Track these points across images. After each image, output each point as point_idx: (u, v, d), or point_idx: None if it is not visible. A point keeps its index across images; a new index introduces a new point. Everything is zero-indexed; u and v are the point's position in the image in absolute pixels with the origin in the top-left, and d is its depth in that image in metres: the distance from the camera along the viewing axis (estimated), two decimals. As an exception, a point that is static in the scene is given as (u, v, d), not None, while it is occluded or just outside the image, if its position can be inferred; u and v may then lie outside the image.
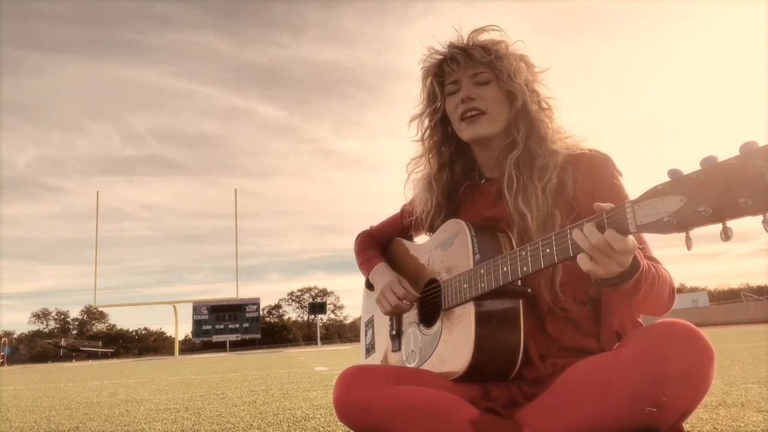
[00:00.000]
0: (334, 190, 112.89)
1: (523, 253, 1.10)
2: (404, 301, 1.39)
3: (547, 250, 1.05)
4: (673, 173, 0.84)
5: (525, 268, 1.09)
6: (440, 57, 1.38)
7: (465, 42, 1.36)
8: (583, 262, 0.99)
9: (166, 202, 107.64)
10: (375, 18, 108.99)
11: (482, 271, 1.18)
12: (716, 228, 0.80)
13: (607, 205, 0.97)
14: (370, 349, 1.64)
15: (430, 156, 1.46)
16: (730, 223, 0.79)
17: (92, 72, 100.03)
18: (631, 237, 0.95)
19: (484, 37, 1.36)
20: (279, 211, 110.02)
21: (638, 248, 1.04)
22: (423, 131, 1.46)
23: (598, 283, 1.05)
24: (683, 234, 0.84)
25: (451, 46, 1.37)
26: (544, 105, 1.35)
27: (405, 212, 1.58)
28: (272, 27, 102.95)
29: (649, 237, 1.20)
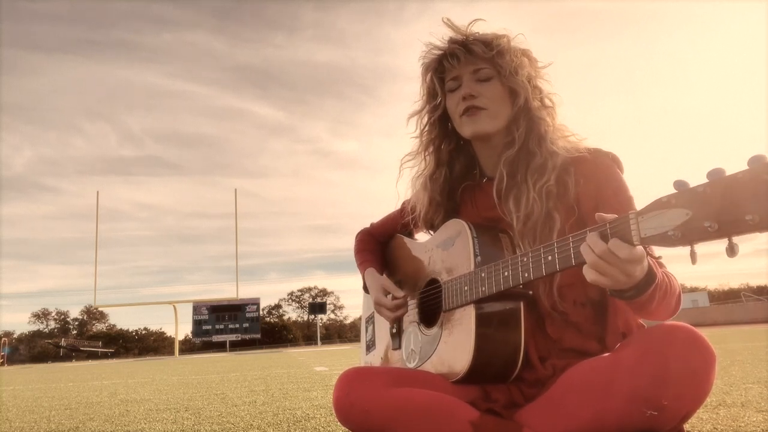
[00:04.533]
0: (331, 190, 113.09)
1: (525, 259, 1.09)
2: (398, 310, 1.42)
3: (549, 258, 1.03)
4: (679, 185, 0.82)
5: (526, 275, 1.08)
6: (440, 53, 1.34)
7: (465, 36, 1.32)
8: (588, 273, 0.96)
9: (165, 202, 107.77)
10: (370, 18, 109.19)
11: (483, 275, 1.17)
12: (722, 242, 0.78)
13: (610, 216, 0.95)
14: (370, 346, 1.64)
15: (427, 153, 1.44)
16: (736, 239, 0.77)
17: (89, 72, 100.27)
18: (639, 247, 0.92)
19: (483, 29, 1.33)
20: (277, 212, 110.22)
21: (653, 257, 1.02)
22: (422, 128, 1.43)
23: (614, 295, 1.02)
24: (688, 248, 0.82)
25: (451, 41, 1.33)
26: (547, 102, 1.32)
27: (405, 209, 1.56)
28: (268, 27, 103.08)
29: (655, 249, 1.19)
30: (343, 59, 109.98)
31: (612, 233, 0.93)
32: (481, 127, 1.31)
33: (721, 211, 0.77)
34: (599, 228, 0.95)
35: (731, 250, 0.77)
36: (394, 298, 1.42)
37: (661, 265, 1.14)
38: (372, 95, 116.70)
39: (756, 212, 0.74)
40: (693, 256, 0.82)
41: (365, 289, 1.59)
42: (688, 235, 0.80)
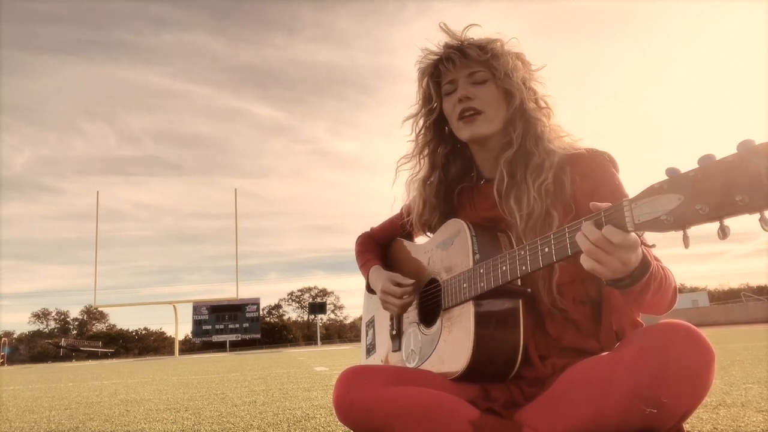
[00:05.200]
0: (331, 190, 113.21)
1: (522, 253, 1.10)
2: (405, 297, 1.40)
3: (546, 249, 1.04)
4: (671, 172, 0.84)
5: (524, 267, 1.09)
6: (436, 57, 1.37)
7: (460, 41, 1.35)
8: (585, 261, 0.97)
9: (164, 202, 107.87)
10: (370, 19, 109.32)
11: (481, 271, 1.18)
12: (714, 226, 0.80)
13: (605, 204, 0.96)
14: (370, 349, 1.64)
15: (422, 156, 1.45)
16: (727, 221, 0.79)
17: (88, 72, 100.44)
18: (632, 234, 0.94)
19: (478, 34, 1.35)
20: (276, 212, 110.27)
21: (647, 246, 1.03)
22: (417, 131, 1.44)
23: (610, 284, 1.04)
24: (681, 232, 0.83)
25: (446, 46, 1.35)
26: (542, 103, 1.34)
27: (405, 212, 1.57)
28: (267, 28, 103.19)
29: (649, 236, 1.20)
30: (343, 59, 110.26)
31: (606, 220, 0.94)
32: (479, 131, 1.33)
33: (711, 194, 0.79)
34: (594, 216, 0.97)
35: (723, 232, 0.79)
36: (401, 285, 1.40)
37: (656, 259, 1.14)
38: (371, 95, 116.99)
39: (746, 193, 0.75)
40: (686, 240, 0.84)
41: (368, 288, 1.59)
42: (680, 219, 0.82)
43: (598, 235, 0.94)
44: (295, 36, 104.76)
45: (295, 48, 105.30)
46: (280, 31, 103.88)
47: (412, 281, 1.41)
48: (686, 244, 0.84)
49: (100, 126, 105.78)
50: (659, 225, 0.85)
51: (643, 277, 1.01)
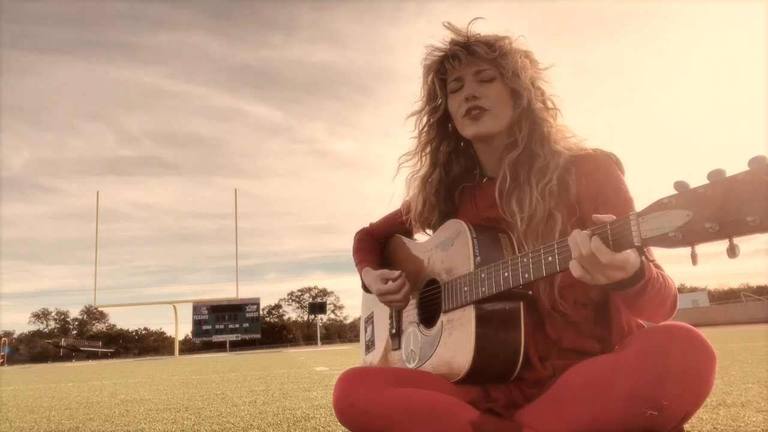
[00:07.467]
0: (329, 190, 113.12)
1: (525, 260, 1.09)
2: (402, 290, 1.37)
3: (549, 258, 1.04)
4: (680, 186, 0.82)
5: (527, 275, 1.08)
6: (441, 54, 1.35)
7: (466, 37, 1.33)
8: (575, 268, 0.97)
9: (163, 202, 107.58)
10: (367, 19, 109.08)
11: (483, 275, 1.17)
12: (722, 243, 0.78)
13: (608, 217, 0.95)
14: (369, 346, 1.64)
15: (424, 154, 1.44)
16: (736, 240, 0.77)
17: (86, 73, 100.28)
18: (626, 254, 0.94)
19: (483, 29, 1.33)
20: (275, 212, 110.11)
21: (645, 256, 1.02)
22: (421, 128, 1.43)
23: (605, 287, 1.03)
24: (689, 249, 0.82)
25: (453, 42, 1.33)
26: (549, 103, 1.32)
27: (404, 209, 1.56)
28: (265, 28, 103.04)
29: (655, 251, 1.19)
30: (340, 59, 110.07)
31: (612, 234, 0.93)
32: (484, 128, 1.31)
33: (722, 212, 0.77)
34: (600, 229, 0.95)
35: (732, 251, 0.77)
36: (393, 281, 1.38)
37: (658, 267, 1.14)
38: (369, 95, 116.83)
39: (757, 213, 0.74)
40: (694, 257, 0.82)
41: (364, 288, 1.59)
42: (689, 236, 0.81)
43: (588, 250, 0.94)
44: (293, 36, 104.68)
45: (292, 48, 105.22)
46: (277, 31, 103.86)
47: (399, 272, 1.39)
48: (694, 262, 0.82)
49: (99, 126, 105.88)
50: (667, 241, 0.84)
51: (638, 283, 1.00)
